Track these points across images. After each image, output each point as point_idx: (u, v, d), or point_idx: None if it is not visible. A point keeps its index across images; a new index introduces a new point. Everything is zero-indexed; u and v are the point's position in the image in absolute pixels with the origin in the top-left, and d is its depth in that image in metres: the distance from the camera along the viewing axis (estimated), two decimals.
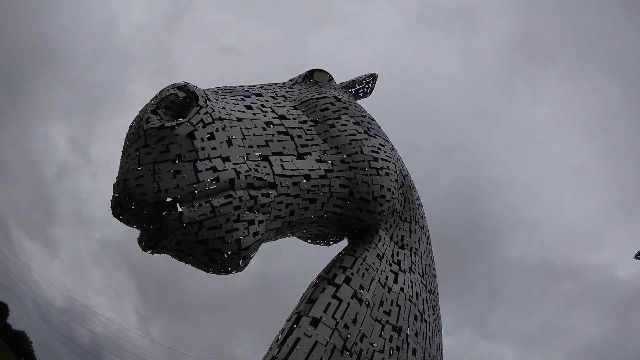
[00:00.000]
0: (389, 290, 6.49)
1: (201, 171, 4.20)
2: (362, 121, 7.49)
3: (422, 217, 8.78)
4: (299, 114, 6.74)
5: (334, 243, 7.94)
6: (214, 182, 4.32)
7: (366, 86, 9.86)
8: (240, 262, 4.68)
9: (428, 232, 9.21)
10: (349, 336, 5.30)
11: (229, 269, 4.64)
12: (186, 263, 4.47)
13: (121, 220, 3.96)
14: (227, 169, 4.52)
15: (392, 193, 7.12)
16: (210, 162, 4.38)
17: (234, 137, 5.00)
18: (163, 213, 3.94)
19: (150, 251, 3.97)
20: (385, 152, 7.38)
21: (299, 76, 7.70)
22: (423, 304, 7.20)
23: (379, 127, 8.27)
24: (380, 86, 9.49)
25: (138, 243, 3.98)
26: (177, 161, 4.07)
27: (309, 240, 8.05)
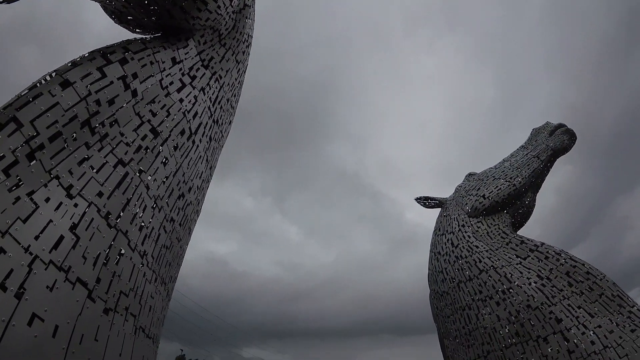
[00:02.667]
0: (167, 94, 5.84)
1: None
2: None
3: (243, 53, 8.44)
4: None
5: (140, 33, 6.98)
6: None
7: None
8: None
9: (244, 72, 8.90)
10: (97, 114, 4.80)
11: None
12: None
13: None
14: None
15: (219, 8, 6.52)
16: None
17: None
18: None
19: None
20: None
21: None
22: (199, 127, 6.81)
23: None
24: None
25: None
26: None
27: (114, 18, 7.25)
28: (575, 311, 10.82)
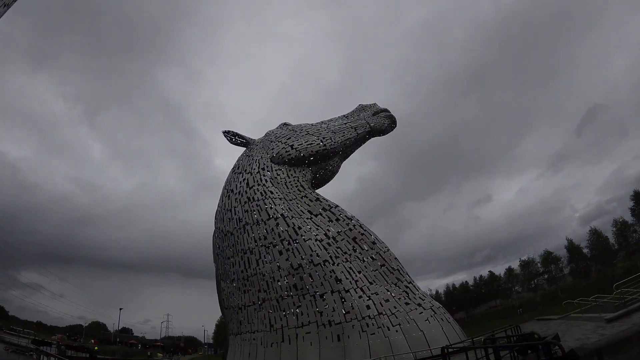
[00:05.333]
0: None
1: None
2: None
3: None
4: None
5: None
6: None
7: None
8: None
9: None
10: None
11: None
12: None
13: None
14: None
15: None
16: None
17: None
18: None
19: None
20: None
21: None
22: None
23: None
24: None
25: None
26: None
27: None
28: (356, 275, 10.33)
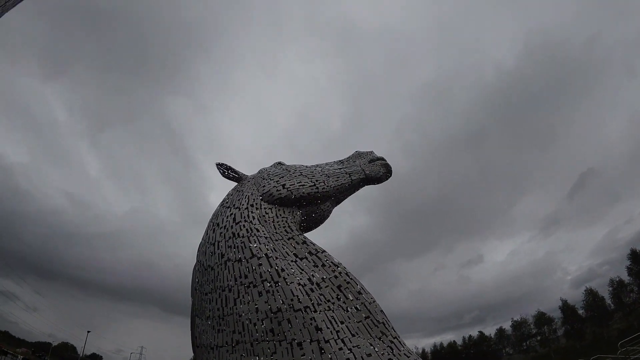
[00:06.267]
0: None
1: None
2: None
3: None
4: None
5: None
6: None
7: None
8: None
9: None
10: None
11: None
12: None
13: None
14: None
15: None
16: None
17: None
18: None
19: None
20: None
21: None
22: None
23: None
24: None
25: None
26: None
27: None
28: (337, 325, 9.80)
